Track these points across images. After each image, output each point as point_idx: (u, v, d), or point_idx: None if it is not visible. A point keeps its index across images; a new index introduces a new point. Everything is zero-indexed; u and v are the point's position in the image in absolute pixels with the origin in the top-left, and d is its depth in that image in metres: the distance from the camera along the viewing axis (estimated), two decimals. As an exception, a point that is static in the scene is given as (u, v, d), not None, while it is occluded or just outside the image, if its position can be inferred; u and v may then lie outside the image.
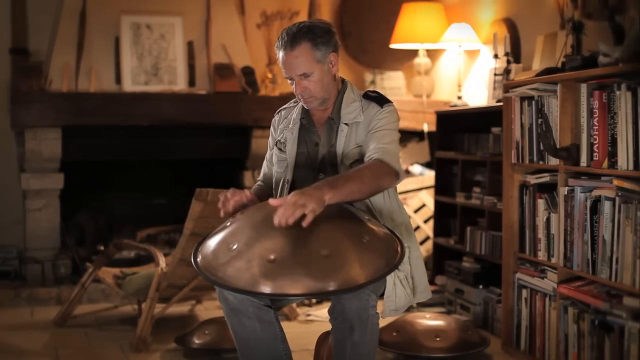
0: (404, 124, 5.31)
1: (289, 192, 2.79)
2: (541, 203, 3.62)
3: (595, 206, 3.21)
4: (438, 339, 3.65)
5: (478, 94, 5.23)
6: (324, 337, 2.84)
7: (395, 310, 2.67)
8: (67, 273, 5.03)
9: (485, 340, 3.80)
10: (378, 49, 5.99)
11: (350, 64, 6.05)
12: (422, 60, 5.66)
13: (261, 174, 2.98)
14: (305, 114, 2.83)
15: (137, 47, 5.23)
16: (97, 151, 5.22)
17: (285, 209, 2.32)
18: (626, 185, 3.04)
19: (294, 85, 2.72)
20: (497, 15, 5.03)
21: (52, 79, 5.04)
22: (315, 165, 2.78)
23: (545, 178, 3.63)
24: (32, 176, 5.06)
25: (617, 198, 3.07)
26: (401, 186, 5.33)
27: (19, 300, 4.83)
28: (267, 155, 2.96)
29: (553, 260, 3.53)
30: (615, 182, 3.09)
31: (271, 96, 5.40)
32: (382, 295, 2.64)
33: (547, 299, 3.56)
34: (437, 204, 5.04)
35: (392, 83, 5.91)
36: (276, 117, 2.95)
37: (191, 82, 5.34)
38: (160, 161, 5.54)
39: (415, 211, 5.37)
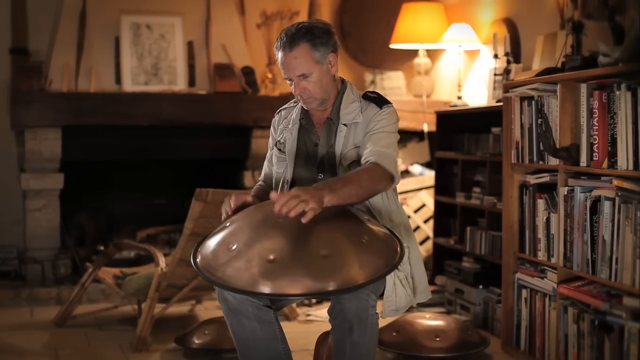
0: (404, 124, 5.31)
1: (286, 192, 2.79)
2: (541, 203, 3.62)
3: (595, 206, 3.21)
4: (438, 339, 3.65)
5: (478, 94, 5.23)
6: (323, 337, 2.84)
7: (395, 310, 2.67)
8: (67, 273, 5.03)
9: (485, 340, 3.80)
10: (378, 49, 5.99)
11: (350, 64, 6.06)
12: (422, 60, 5.66)
13: (262, 174, 2.98)
14: (305, 114, 2.83)
15: (137, 47, 5.23)
16: (97, 151, 5.22)
17: (288, 199, 2.33)
18: (626, 185, 3.04)
19: (293, 86, 2.72)
20: (497, 15, 5.03)
21: (52, 79, 5.04)
22: (314, 165, 2.78)
23: (545, 178, 3.63)
24: (32, 176, 5.06)
25: (616, 198, 3.07)
26: (401, 186, 5.33)
27: (19, 300, 4.83)
28: (268, 155, 2.96)
29: (553, 260, 3.53)
30: (615, 182, 3.09)
31: (271, 96, 5.40)
32: (381, 296, 2.64)
33: (547, 299, 3.56)
34: (437, 204, 5.04)
35: (392, 83, 5.91)
36: (276, 117, 2.95)
37: (191, 82, 5.34)
38: (160, 161, 5.54)
39: (415, 211, 5.38)
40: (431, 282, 4.87)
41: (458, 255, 4.68)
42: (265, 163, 2.97)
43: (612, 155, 3.11)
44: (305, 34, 2.66)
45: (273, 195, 2.39)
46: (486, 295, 4.29)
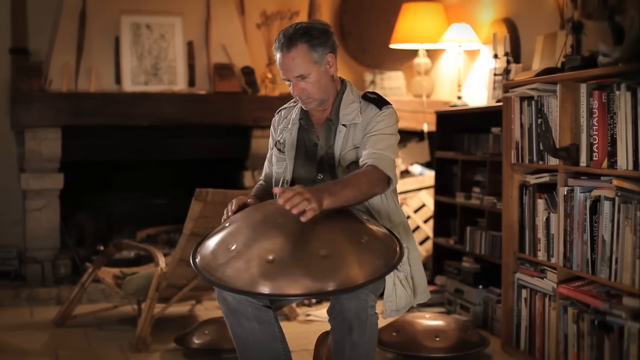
0: (404, 124, 5.31)
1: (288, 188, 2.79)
2: (541, 203, 3.62)
3: (594, 206, 3.21)
4: (438, 339, 3.65)
5: (478, 94, 5.23)
6: (323, 337, 2.84)
7: (396, 310, 2.67)
8: (67, 273, 5.03)
9: (484, 340, 3.80)
10: (378, 49, 5.99)
11: (350, 64, 6.05)
12: (422, 60, 5.65)
13: (262, 174, 2.98)
14: (304, 114, 2.83)
15: (137, 47, 5.23)
16: (97, 151, 5.22)
17: (292, 195, 2.34)
18: (626, 185, 3.04)
19: (291, 87, 2.72)
20: (497, 15, 5.03)
21: (52, 79, 5.04)
22: (313, 165, 2.78)
23: (545, 178, 3.63)
24: (32, 176, 5.06)
25: (616, 198, 3.07)
26: (401, 186, 5.33)
27: (19, 300, 4.83)
28: (268, 155, 2.96)
29: (553, 260, 3.53)
30: (615, 182, 3.09)
31: (271, 96, 5.40)
32: (381, 296, 2.64)
33: (546, 299, 3.56)
34: (437, 204, 5.04)
35: (392, 83, 5.91)
36: (276, 117, 2.95)
37: (191, 82, 5.34)
38: (160, 161, 5.54)
39: (415, 211, 5.37)
40: (431, 282, 4.87)
41: (458, 255, 4.68)
42: (266, 163, 2.97)
43: (612, 155, 3.11)
44: (303, 35, 2.65)
45: (277, 189, 2.39)
46: (486, 295, 4.29)
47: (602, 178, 3.22)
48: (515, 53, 4.71)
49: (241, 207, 2.65)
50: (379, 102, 2.76)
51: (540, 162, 3.62)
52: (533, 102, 3.64)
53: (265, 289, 2.27)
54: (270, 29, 5.63)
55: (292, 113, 2.87)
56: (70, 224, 5.30)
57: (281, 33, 2.69)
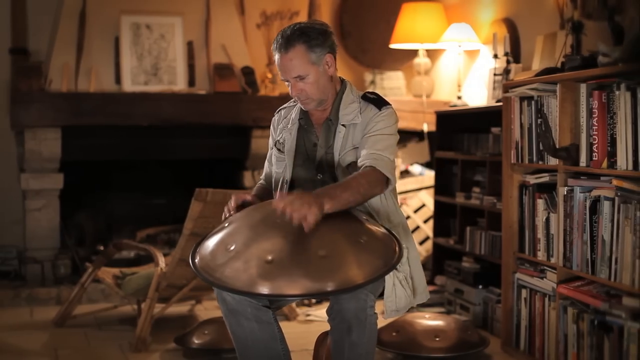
0: (404, 124, 5.31)
1: (288, 193, 2.79)
2: (540, 203, 3.62)
3: (594, 206, 3.21)
4: (437, 339, 3.65)
5: (478, 94, 5.23)
6: (322, 338, 2.84)
7: (396, 311, 2.67)
8: (66, 273, 5.03)
9: (484, 340, 3.80)
10: (378, 49, 5.99)
11: (350, 64, 6.05)
12: (422, 60, 5.65)
13: (263, 173, 2.98)
14: (304, 114, 2.83)
15: (136, 47, 5.23)
16: (96, 151, 5.22)
17: (293, 202, 2.34)
18: (625, 185, 3.04)
19: (290, 87, 2.72)
20: (496, 15, 5.02)
21: (52, 79, 5.04)
22: (313, 166, 2.78)
23: (545, 178, 3.63)
24: (32, 176, 5.06)
25: (616, 198, 3.07)
26: (401, 186, 5.33)
27: (19, 300, 4.83)
28: (268, 155, 2.96)
29: (552, 260, 3.53)
30: (615, 182, 3.09)
31: (271, 96, 5.40)
32: (381, 296, 2.64)
33: (546, 299, 3.56)
34: (437, 204, 5.04)
35: (392, 83, 5.91)
36: (276, 117, 2.95)
37: (191, 82, 5.34)
38: (160, 161, 5.54)
39: (415, 211, 5.37)
40: (431, 282, 4.87)
41: (458, 255, 4.68)
42: (266, 163, 2.97)
43: (612, 155, 3.11)
44: (301, 36, 2.65)
45: (277, 203, 2.38)
46: (486, 295, 4.29)
47: (602, 178, 3.22)
48: (515, 53, 4.71)
49: (241, 206, 2.65)
50: (379, 102, 2.76)
51: (540, 162, 3.62)
52: (533, 102, 3.64)
53: (264, 290, 2.27)
54: (270, 29, 5.63)
55: (292, 113, 2.87)
56: (70, 224, 5.30)
57: (279, 34, 2.69)
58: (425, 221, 5.35)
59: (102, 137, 5.18)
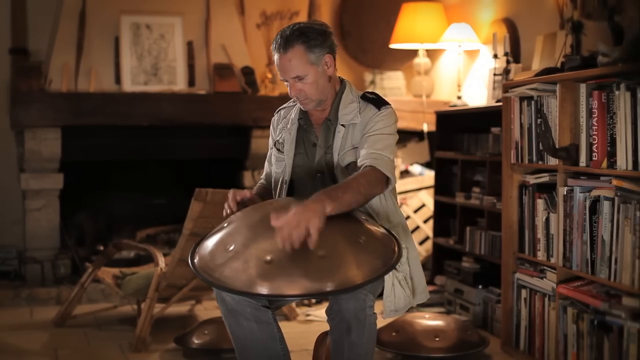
0: (404, 124, 5.31)
1: (288, 193, 2.79)
2: (540, 203, 3.62)
3: (594, 206, 3.21)
4: (437, 339, 3.65)
5: (478, 94, 5.23)
6: (322, 338, 2.84)
7: (395, 311, 2.66)
8: (66, 273, 5.03)
9: (484, 340, 3.80)
10: (378, 49, 5.99)
11: (350, 64, 6.05)
12: (421, 60, 5.65)
13: (263, 173, 2.98)
14: (303, 114, 2.82)
15: (136, 47, 5.23)
16: (96, 151, 5.22)
17: (289, 231, 2.28)
18: (625, 185, 3.04)
19: (289, 88, 2.71)
20: (496, 15, 5.02)
21: (52, 79, 5.04)
22: (312, 166, 2.78)
23: (545, 178, 3.63)
24: (32, 176, 5.06)
25: (616, 198, 3.07)
26: (401, 186, 5.33)
27: (19, 300, 4.83)
28: (268, 155, 2.96)
29: (552, 260, 3.53)
30: (615, 182, 3.09)
31: (271, 96, 5.40)
32: (380, 296, 2.64)
33: (546, 299, 3.56)
34: (437, 204, 5.04)
35: (392, 83, 5.91)
36: (275, 117, 2.95)
37: (191, 82, 5.34)
38: (160, 161, 5.54)
39: (415, 211, 5.37)
40: (431, 282, 4.88)
41: (458, 255, 4.68)
42: (266, 162, 2.97)
43: (612, 155, 3.11)
44: (300, 36, 2.65)
45: (274, 223, 2.32)
46: (486, 295, 4.29)
47: (602, 178, 3.22)
48: (515, 53, 4.71)
49: (242, 205, 2.65)
50: (378, 102, 2.75)
51: (540, 162, 3.62)
52: (533, 102, 3.64)
53: (263, 290, 2.27)
54: (270, 29, 5.63)
55: (291, 113, 2.87)
56: (70, 224, 5.30)
57: (279, 34, 2.69)
58: (425, 221, 5.35)
59: (102, 137, 5.18)
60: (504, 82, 4.30)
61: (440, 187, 5.03)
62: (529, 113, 3.67)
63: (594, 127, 3.20)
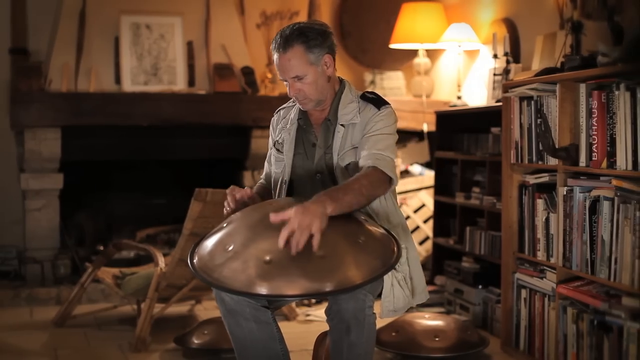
0: (404, 124, 5.31)
1: (288, 193, 2.79)
2: (540, 203, 3.62)
3: (594, 206, 3.21)
4: (437, 339, 3.65)
5: (477, 94, 5.23)
6: (322, 338, 2.83)
7: (394, 311, 2.66)
8: (66, 273, 5.03)
9: (484, 340, 3.80)
10: (378, 49, 5.99)
11: (350, 64, 6.05)
12: (421, 60, 5.65)
13: (263, 173, 2.98)
14: (303, 114, 2.82)
15: (136, 47, 5.23)
16: (96, 151, 5.22)
17: (291, 234, 2.29)
18: (625, 185, 3.04)
19: (288, 87, 2.71)
20: (496, 15, 5.02)
21: (52, 79, 5.04)
22: (312, 166, 2.77)
23: (545, 178, 3.63)
24: (32, 176, 5.06)
25: (616, 198, 3.07)
26: (401, 186, 5.33)
27: (19, 300, 4.83)
28: (268, 155, 2.96)
29: (552, 260, 3.53)
30: (614, 182, 3.09)
31: (271, 96, 5.40)
32: (379, 296, 2.64)
33: (546, 299, 3.56)
34: (437, 204, 5.04)
35: (391, 83, 5.91)
36: (275, 117, 2.95)
37: (191, 82, 5.34)
38: (160, 161, 5.54)
39: (415, 211, 5.37)
40: (431, 282, 4.88)
41: (457, 255, 4.68)
42: (266, 163, 2.97)
43: (611, 155, 3.11)
44: (299, 36, 2.65)
45: (273, 219, 2.34)
46: (485, 295, 4.29)
47: (602, 178, 3.22)
48: (514, 53, 4.71)
49: (241, 205, 2.65)
50: (378, 102, 2.75)
51: (540, 162, 3.62)
52: (532, 102, 3.64)
53: (262, 290, 2.27)
54: (270, 29, 5.63)
55: (291, 113, 2.87)
56: (70, 224, 5.31)
57: (278, 33, 2.69)
58: (425, 221, 5.35)
59: (102, 137, 5.19)
60: (504, 82, 4.30)
61: (440, 187, 5.03)
62: (529, 113, 3.67)
63: (594, 127, 3.20)
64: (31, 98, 4.90)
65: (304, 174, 2.77)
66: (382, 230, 2.54)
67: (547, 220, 3.57)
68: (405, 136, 5.59)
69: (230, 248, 2.38)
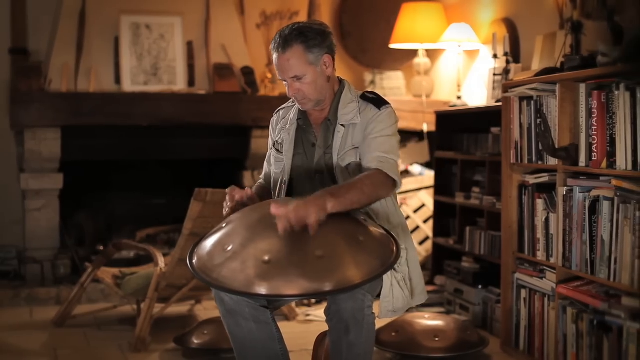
0: (404, 124, 5.31)
1: (287, 193, 2.79)
2: (540, 203, 3.62)
3: (594, 206, 3.21)
4: (437, 339, 3.65)
5: (477, 94, 5.23)
6: (322, 338, 2.83)
7: (393, 311, 2.66)
8: (66, 273, 5.03)
9: (484, 340, 3.80)
10: (378, 49, 5.99)
11: (350, 64, 6.05)
12: (421, 60, 5.65)
13: (262, 173, 2.98)
14: (302, 114, 2.82)
15: (136, 47, 5.23)
16: (96, 151, 5.22)
17: (287, 221, 2.32)
18: (625, 185, 3.04)
19: (287, 87, 2.71)
20: (496, 15, 5.02)
21: (52, 79, 5.04)
22: (312, 166, 2.77)
23: (544, 178, 3.63)
24: (32, 176, 5.06)
25: (615, 198, 3.07)
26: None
27: (19, 300, 4.83)
28: (267, 155, 2.96)
29: (552, 260, 3.53)
30: (614, 182, 3.09)
31: (271, 96, 5.40)
32: (378, 296, 2.64)
33: (546, 299, 3.56)
34: (437, 204, 5.04)
35: (391, 83, 5.91)
36: (274, 117, 2.95)
37: (191, 82, 5.34)
38: (160, 161, 5.54)
39: (415, 211, 5.37)
40: (431, 282, 4.88)
41: (457, 255, 4.68)
42: (265, 163, 2.97)
43: (611, 155, 3.11)
44: (298, 36, 2.65)
45: (274, 210, 2.37)
46: (485, 295, 4.29)
47: (601, 178, 3.22)
48: (514, 53, 4.71)
49: (241, 205, 2.65)
50: (378, 102, 2.75)
51: (540, 162, 3.62)
52: (532, 102, 3.64)
53: (261, 290, 2.27)
54: (270, 29, 5.63)
55: (290, 113, 2.87)
56: (70, 224, 5.31)
57: (278, 33, 2.69)
58: (425, 221, 5.35)
59: (102, 137, 5.19)
60: (504, 82, 4.30)
61: (440, 187, 5.03)
62: (529, 113, 3.66)
63: (594, 127, 3.20)
64: (31, 98, 4.90)
65: (304, 174, 2.77)
66: (381, 230, 2.54)
67: (547, 220, 3.57)
68: (405, 136, 5.59)
69: (229, 248, 2.38)
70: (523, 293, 3.74)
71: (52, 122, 4.95)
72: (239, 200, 2.66)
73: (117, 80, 5.21)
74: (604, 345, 3.10)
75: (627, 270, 2.99)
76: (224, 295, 2.52)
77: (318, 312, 4.51)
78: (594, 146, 3.21)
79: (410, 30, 5.43)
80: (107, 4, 5.24)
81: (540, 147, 3.56)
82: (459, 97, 5.20)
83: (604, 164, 3.16)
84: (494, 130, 4.41)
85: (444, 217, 4.97)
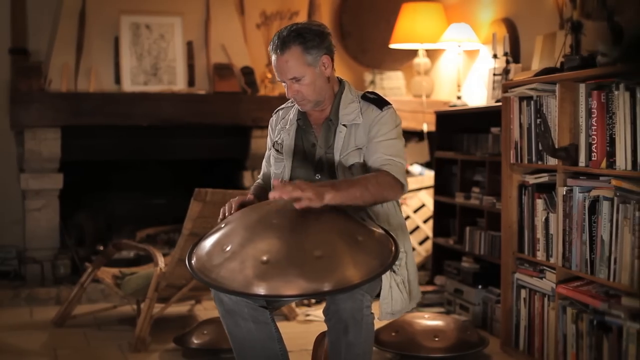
0: (404, 124, 5.25)
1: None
2: (540, 203, 3.62)
3: (593, 206, 3.21)
4: (437, 339, 3.65)
5: (477, 94, 5.23)
6: (321, 338, 2.83)
7: (391, 313, 2.66)
8: (66, 273, 5.03)
9: (484, 340, 3.80)
10: (378, 49, 5.99)
11: (350, 64, 6.05)
12: (421, 60, 5.65)
13: (261, 173, 2.98)
14: (302, 115, 2.82)
15: (136, 47, 5.23)
16: (96, 151, 5.22)
17: (284, 187, 2.37)
18: (624, 185, 3.04)
19: (286, 88, 2.71)
20: (496, 15, 5.02)
21: (52, 79, 5.05)
22: (312, 166, 2.77)
23: (544, 178, 3.63)
24: (32, 176, 5.06)
25: (615, 198, 3.07)
26: (401, 186, 5.33)
27: (18, 300, 4.83)
28: (266, 155, 2.96)
29: (552, 260, 3.53)
30: (614, 182, 3.09)
31: (270, 96, 5.40)
32: (377, 296, 2.64)
33: (545, 299, 3.56)
34: (437, 204, 5.04)
35: (391, 83, 5.91)
36: (274, 117, 2.95)
37: (190, 82, 5.34)
38: (160, 161, 5.54)
39: (415, 211, 5.37)
40: (430, 282, 4.88)
41: (457, 255, 4.68)
42: (264, 163, 2.97)
43: (611, 155, 3.11)
44: (297, 37, 2.65)
45: (275, 181, 2.41)
46: (485, 295, 4.29)
47: (601, 178, 3.22)
48: (514, 53, 4.71)
49: (240, 206, 2.65)
50: (379, 102, 2.75)
51: (539, 162, 3.62)
52: (532, 102, 3.64)
53: (260, 290, 2.27)
54: (269, 29, 5.63)
55: (290, 113, 2.86)
56: (70, 224, 5.31)
57: (276, 35, 2.68)
58: (425, 221, 5.35)
59: (102, 137, 5.19)
60: (504, 82, 4.30)
61: (440, 187, 5.03)
62: (529, 113, 3.66)
63: (593, 127, 3.20)
64: (31, 98, 4.90)
65: (304, 175, 2.77)
66: (380, 230, 2.54)
67: (547, 220, 3.57)
68: (406, 136, 5.53)
69: (228, 248, 2.38)
70: (523, 293, 3.74)
71: (52, 122, 4.95)
72: (238, 202, 2.66)
73: (117, 80, 5.21)
74: (603, 345, 3.10)
75: (626, 270, 2.99)
76: (223, 295, 2.52)
77: (318, 312, 4.51)
78: (594, 146, 3.21)
79: (410, 30, 5.43)
80: (107, 4, 5.24)
81: (540, 147, 3.56)
82: (458, 97, 5.20)
83: (603, 164, 3.16)
84: (494, 130, 4.41)
85: (444, 217, 4.97)
